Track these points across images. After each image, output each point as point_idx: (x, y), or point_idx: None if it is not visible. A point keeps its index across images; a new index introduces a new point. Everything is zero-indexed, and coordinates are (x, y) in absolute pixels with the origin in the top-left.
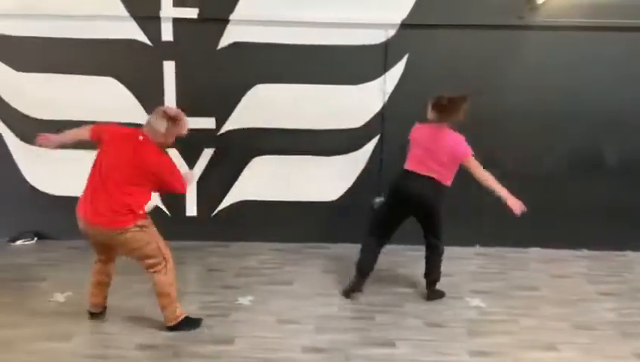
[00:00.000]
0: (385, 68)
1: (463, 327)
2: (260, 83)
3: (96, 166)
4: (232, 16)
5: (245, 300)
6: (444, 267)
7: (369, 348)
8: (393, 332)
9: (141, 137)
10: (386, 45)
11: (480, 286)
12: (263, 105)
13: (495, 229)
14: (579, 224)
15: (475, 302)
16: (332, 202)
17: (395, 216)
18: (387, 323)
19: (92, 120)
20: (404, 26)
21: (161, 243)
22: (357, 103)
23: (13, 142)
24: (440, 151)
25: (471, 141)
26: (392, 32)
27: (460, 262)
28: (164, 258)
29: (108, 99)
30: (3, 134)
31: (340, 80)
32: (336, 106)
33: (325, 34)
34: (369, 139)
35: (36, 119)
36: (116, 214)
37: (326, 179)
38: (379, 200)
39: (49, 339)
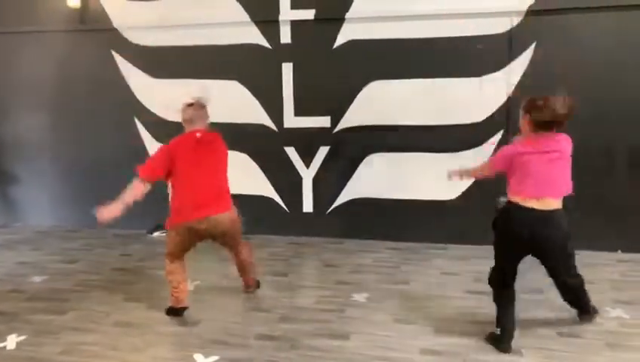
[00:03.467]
0: (510, 58)
1: (601, 339)
2: (375, 79)
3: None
4: (347, 15)
5: (361, 297)
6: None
7: (489, 354)
8: (520, 340)
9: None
10: (510, 34)
11: (622, 295)
12: (379, 102)
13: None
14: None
15: (616, 312)
16: (451, 201)
17: None
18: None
19: (216, 121)
20: (532, 12)
21: None
22: (479, 96)
23: (150, 143)
24: None
25: (610, 134)
26: (517, 20)
27: (601, 268)
28: None
29: (232, 102)
30: (142, 136)
31: (460, 72)
32: (455, 100)
33: (441, 26)
34: (492, 134)
35: (169, 122)
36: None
37: (445, 177)
38: (503, 199)
39: (178, 324)
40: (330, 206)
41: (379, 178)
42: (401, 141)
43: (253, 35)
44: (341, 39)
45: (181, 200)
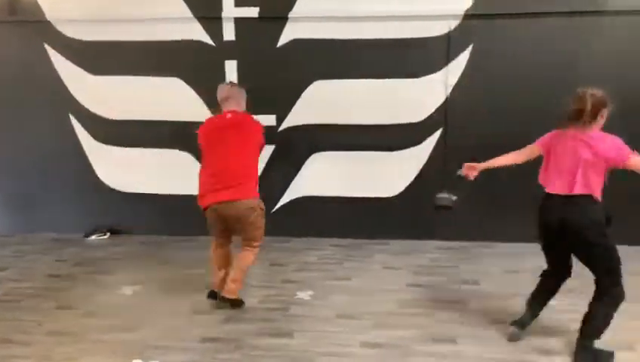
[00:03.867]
0: (448, 60)
1: (531, 325)
2: (319, 79)
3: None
4: (291, 14)
5: (305, 295)
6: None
7: (428, 345)
8: (455, 329)
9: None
10: (448, 37)
11: None
12: (322, 102)
13: None
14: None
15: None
16: (393, 198)
17: None
18: (448, 319)
19: (158, 120)
20: (468, 16)
21: None
22: (418, 97)
23: (87, 141)
24: None
25: (541, 133)
26: (454, 23)
27: (524, 259)
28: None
29: (173, 99)
30: (78, 134)
31: (400, 73)
32: (396, 100)
33: (385, 27)
34: (431, 134)
35: (107, 119)
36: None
37: (387, 175)
38: (442, 196)
39: (116, 331)
40: (276, 205)
41: (323, 176)
42: (344, 140)
43: (196, 32)
44: (285, 38)
45: (202, 182)
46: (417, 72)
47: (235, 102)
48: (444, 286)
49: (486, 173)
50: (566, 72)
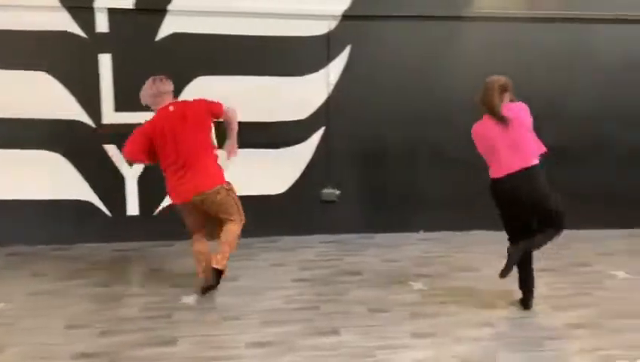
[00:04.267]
0: (328, 59)
1: (406, 311)
2: (201, 75)
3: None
4: (170, 7)
5: (189, 299)
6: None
7: (314, 338)
8: (338, 321)
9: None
10: (328, 36)
11: (422, 270)
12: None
13: (439, 214)
14: None
15: (418, 285)
16: (279, 195)
17: None
18: (332, 311)
19: (25, 117)
20: (346, 17)
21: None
22: (301, 95)
23: None
24: None
25: (415, 131)
26: (334, 24)
27: (405, 248)
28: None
29: (41, 95)
30: None
31: (283, 71)
32: (279, 98)
33: (267, 25)
34: (314, 131)
35: None
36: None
37: (273, 172)
38: (326, 191)
39: None
40: (158, 207)
41: None
42: None
43: (65, 22)
44: (164, 31)
45: (170, 178)
46: (300, 71)
47: (168, 95)
48: (328, 279)
49: (368, 167)
50: (436, 73)
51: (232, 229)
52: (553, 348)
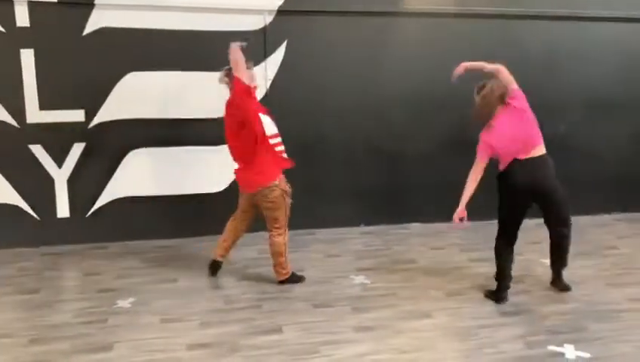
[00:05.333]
0: (265, 54)
1: (348, 305)
2: (132, 71)
3: None
4: (97, 0)
5: (125, 303)
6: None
7: (256, 337)
8: (281, 318)
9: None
10: (264, 31)
11: (364, 263)
12: (138, 95)
13: (378, 208)
14: (452, 198)
15: (360, 279)
16: (218, 193)
17: None
18: (275, 309)
19: None
20: (282, 11)
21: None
22: None
23: None
24: None
25: (352, 125)
26: (270, 18)
27: (347, 241)
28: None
29: None
30: None
31: (219, 67)
32: (216, 94)
33: (201, 19)
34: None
35: None
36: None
37: (210, 170)
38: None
39: None
40: (90, 208)
41: (143, 175)
42: (163, 135)
43: None
44: (92, 26)
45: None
46: None
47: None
48: (270, 276)
49: (307, 163)
50: (371, 69)
51: (276, 241)
52: (487, 336)
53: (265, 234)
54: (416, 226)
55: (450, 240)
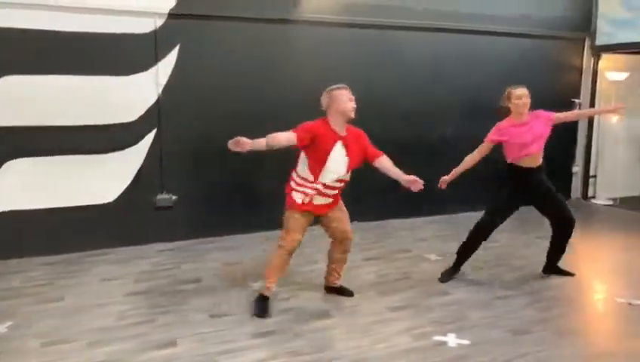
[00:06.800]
0: (156, 59)
1: (248, 312)
2: (9, 74)
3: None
4: None
5: (2, 327)
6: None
7: (149, 352)
8: (176, 331)
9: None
10: (155, 35)
11: (264, 269)
12: (16, 100)
13: (277, 212)
14: (350, 201)
15: (258, 284)
16: (109, 203)
17: None
18: (170, 322)
19: None
20: (173, 15)
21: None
22: (129, 96)
23: None
24: None
25: (247, 131)
26: (160, 22)
27: (245, 249)
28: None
29: None
30: None
31: (108, 71)
32: (105, 99)
33: (89, 20)
34: (145, 134)
35: None
36: None
37: (100, 180)
38: (161, 197)
39: None
40: None
41: (23, 187)
42: (46, 143)
43: None
44: None
45: None
46: (126, 70)
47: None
48: (165, 289)
49: (204, 170)
50: (266, 74)
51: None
52: (380, 331)
53: (159, 246)
54: (316, 229)
55: None
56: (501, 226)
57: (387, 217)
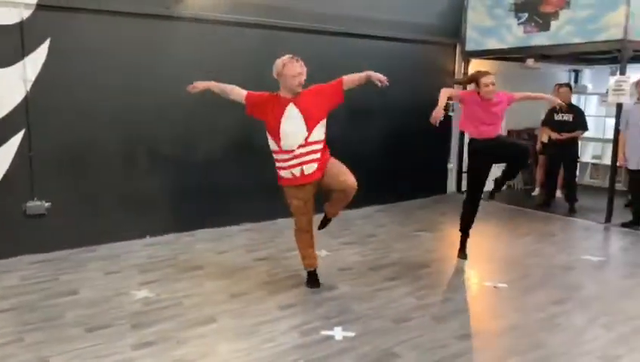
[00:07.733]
0: (23, 53)
1: (128, 323)
2: None
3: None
4: None
5: None
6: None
7: None
8: (47, 350)
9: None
10: (21, 27)
11: (148, 276)
12: None
13: (164, 217)
14: (237, 201)
15: (142, 293)
16: None
17: None
18: (40, 340)
19: None
20: (42, 6)
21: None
22: None
23: None
24: None
25: (128, 130)
26: (27, 13)
27: (127, 256)
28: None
29: None
30: None
31: None
32: None
33: None
34: (11, 135)
35: None
36: None
37: None
38: (31, 204)
39: None
40: None
41: None
42: None
43: None
44: None
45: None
46: None
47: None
48: (36, 304)
49: (80, 173)
50: (147, 70)
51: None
52: (268, 331)
53: (30, 258)
54: (202, 232)
55: (235, 242)
56: (381, 220)
57: (277, 216)
